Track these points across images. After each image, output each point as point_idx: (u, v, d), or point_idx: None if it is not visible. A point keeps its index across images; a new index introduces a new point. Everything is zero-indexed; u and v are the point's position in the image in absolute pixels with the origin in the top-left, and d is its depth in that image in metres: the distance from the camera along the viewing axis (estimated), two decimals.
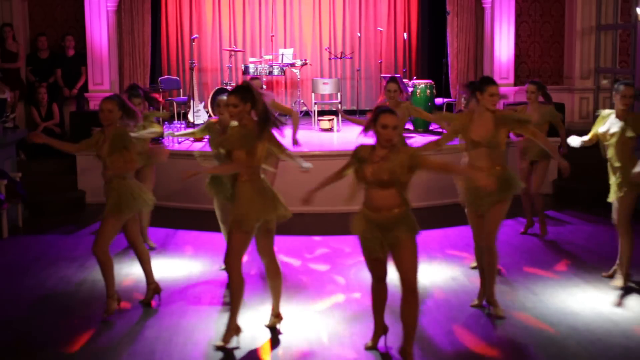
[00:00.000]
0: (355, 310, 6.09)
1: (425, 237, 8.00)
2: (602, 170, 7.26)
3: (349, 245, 7.90)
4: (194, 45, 12.50)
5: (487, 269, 5.92)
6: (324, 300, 6.33)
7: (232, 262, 5.26)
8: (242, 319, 5.53)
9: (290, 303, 6.20)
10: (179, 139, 10.28)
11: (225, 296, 6.38)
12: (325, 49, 13.56)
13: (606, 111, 6.62)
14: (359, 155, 4.87)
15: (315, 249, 7.92)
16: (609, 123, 6.52)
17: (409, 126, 11.53)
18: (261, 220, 5.26)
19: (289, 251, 7.73)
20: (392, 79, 7.72)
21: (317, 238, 8.31)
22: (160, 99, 10.98)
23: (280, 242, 8.05)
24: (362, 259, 7.69)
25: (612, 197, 6.49)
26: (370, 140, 4.88)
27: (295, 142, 7.72)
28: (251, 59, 13.01)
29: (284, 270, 7.14)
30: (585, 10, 12.02)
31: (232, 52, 13.02)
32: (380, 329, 5.31)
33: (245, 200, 5.22)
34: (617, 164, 6.44)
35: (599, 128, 6.56)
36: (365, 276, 6.95)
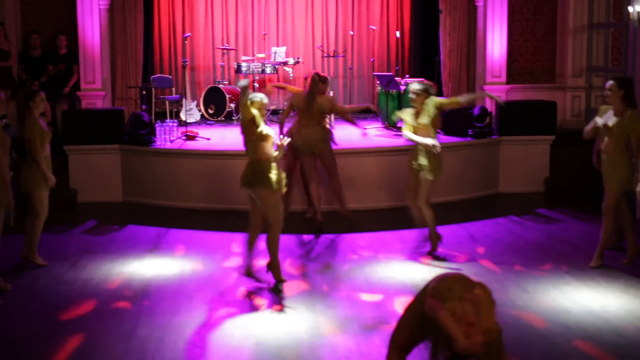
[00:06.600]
0: (353, 311, 6.10)
1: (420, 236, 8.00)
2: (593, 168, 7.30)
3: (344, 245, 7.90)
4: (187, 44, 12.47)
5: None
6: (322, 301, 6.34)
7: None
8: (241, 319, 5.48)
9: (288, 305, 6.20)
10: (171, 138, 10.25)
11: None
12: (318, 47, 13.55)
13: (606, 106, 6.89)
14: None
15: (312, 248, 7.91)
16: (605, 117, 6.74)
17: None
18: None
19: (282, 250, 7.71)
20: None
21: (308, 237, 8.30)
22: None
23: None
24: (356, 257, 7.65)
25: None
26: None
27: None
28: (244, 57, 12.99)
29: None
30: (577, 8, 12.04)
31: (225, 51, 12.99)
32: None
33: None
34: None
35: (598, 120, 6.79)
36: (362, 276, 6.95)
